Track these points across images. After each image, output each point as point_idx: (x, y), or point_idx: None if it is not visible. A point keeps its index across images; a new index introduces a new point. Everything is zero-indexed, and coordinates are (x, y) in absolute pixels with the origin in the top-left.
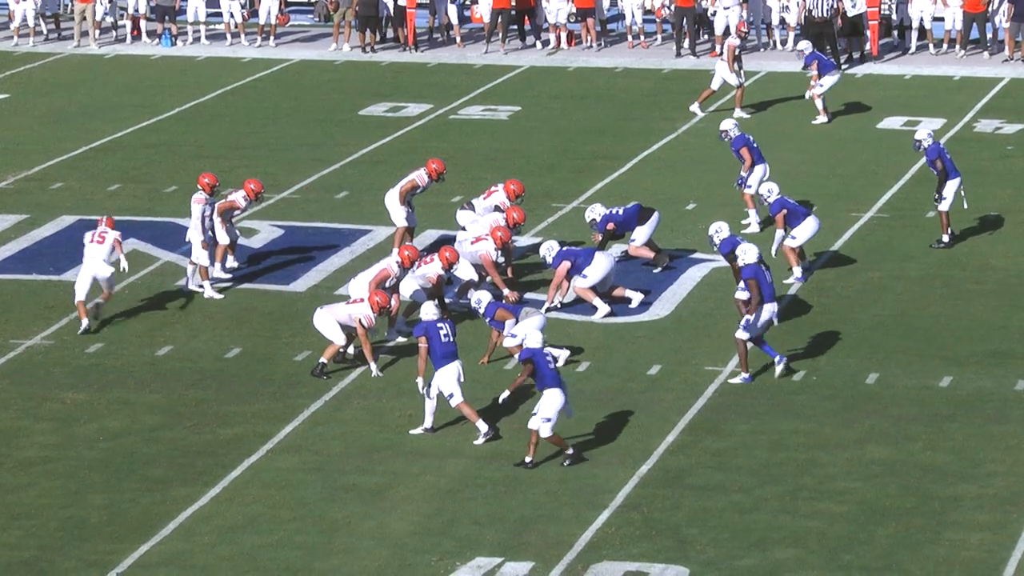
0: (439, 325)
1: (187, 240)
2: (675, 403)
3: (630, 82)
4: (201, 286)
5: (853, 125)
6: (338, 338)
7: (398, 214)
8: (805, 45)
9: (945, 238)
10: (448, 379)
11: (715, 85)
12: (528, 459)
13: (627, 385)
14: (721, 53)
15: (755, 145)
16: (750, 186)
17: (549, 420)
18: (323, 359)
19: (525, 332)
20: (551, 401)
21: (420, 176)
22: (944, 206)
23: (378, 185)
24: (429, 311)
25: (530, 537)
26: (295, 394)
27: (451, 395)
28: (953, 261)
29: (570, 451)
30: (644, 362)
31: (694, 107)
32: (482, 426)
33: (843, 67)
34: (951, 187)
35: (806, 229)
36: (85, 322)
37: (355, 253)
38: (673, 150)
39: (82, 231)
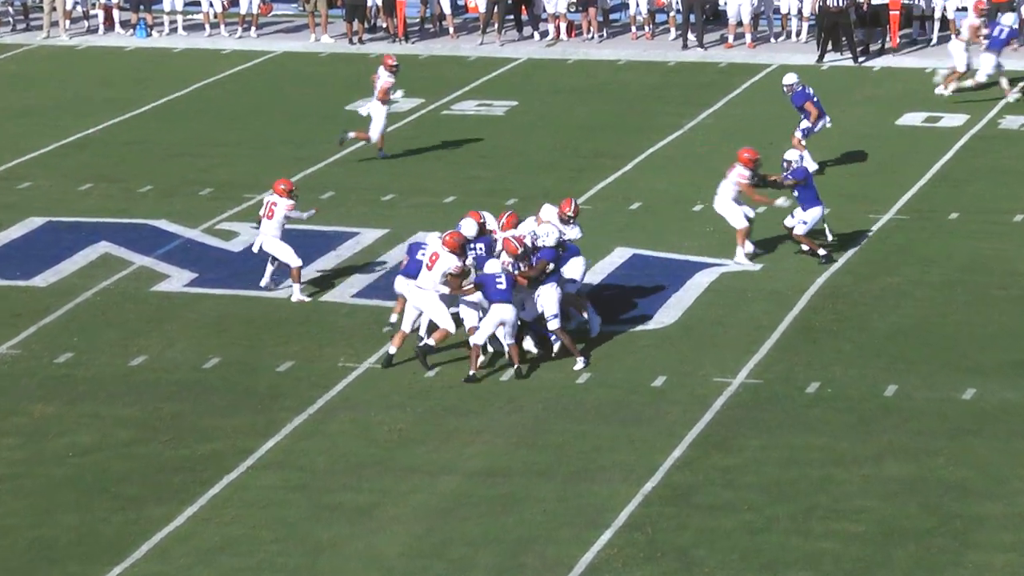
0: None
1: (262, 250)
2: (681, 416)
3: (633, 75)
4: (272, 286)
5: (871, 121)
6: (449, 324)
7: (736, 215)
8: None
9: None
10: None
11: (961, 66)
12: (471, 372)
13: (630, 397)
14: (959, 32)
15: (816, 99)
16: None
17: (479, 328)
18: (431, 341)
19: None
20: (494, 315)
21: (741, 174)
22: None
23: (365, 185)
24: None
25: (527, 559)
26: (278, 407)
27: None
28: (977, 266)
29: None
30: (648, 373)
31: (941, 90)
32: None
33: (860, 60)
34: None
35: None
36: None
37: (341, 257)
38: (679, 147)
39: (52, 233)
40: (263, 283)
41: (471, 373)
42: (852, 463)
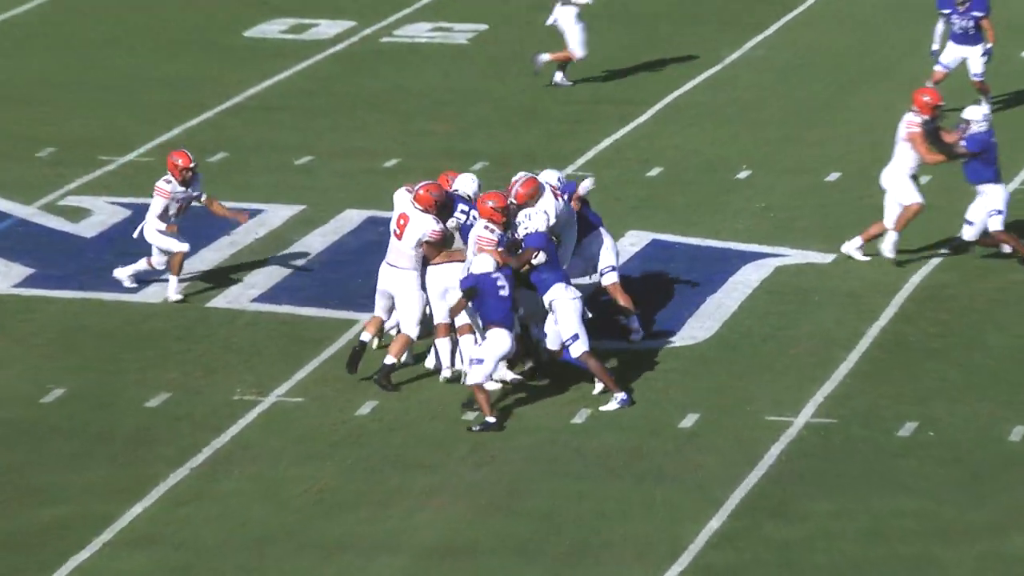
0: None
1: (141, 236)
2: (721, 471)
3: None
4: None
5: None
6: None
7: (909, 191)
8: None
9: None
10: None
11: None
12: (490, 419)
13: (648, 443)
14: None
15: None
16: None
17: (481, 362)
18: (389, 359)
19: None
20: (494, 344)
21: (912, 121)
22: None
23: (272, 142)
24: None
25: None
26: (149, 457)
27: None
28: None
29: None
30: (674, 408)
31: None
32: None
33: None
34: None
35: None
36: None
37: (238, 245)
38: (716, 90)
39: None
40: (120, 274)
41: (488, 419)
42: (962, 536)
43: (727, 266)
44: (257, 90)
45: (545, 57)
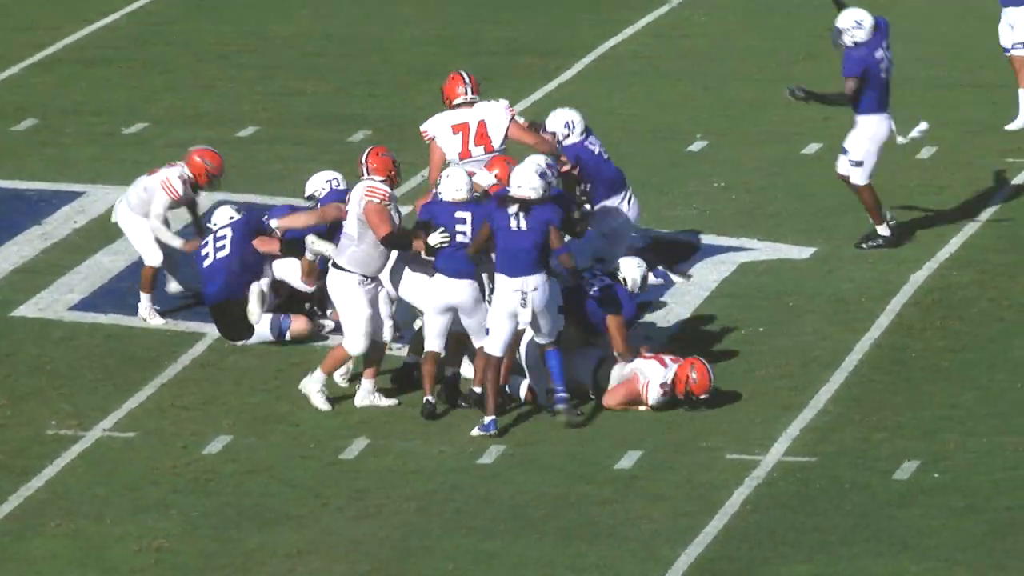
0: None
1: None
2: (669, 524)
3: None
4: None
5: None
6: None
7: None
8: None
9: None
10: None
11: None
12: (427, 398)
13: (576, 489)
14: None
15: None
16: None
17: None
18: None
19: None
20: (440, 296)
21: None
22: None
23: (92, 104)
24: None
25: None
26: None
27: None
28: None
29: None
30: (609, 444)
31: None
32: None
33: None
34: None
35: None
36: None
37: (52, 238)
38: (662, 41)
39: None
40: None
41: (427, 399)
42: None
43: (677, 264)
44: (75, 39)
45: None
